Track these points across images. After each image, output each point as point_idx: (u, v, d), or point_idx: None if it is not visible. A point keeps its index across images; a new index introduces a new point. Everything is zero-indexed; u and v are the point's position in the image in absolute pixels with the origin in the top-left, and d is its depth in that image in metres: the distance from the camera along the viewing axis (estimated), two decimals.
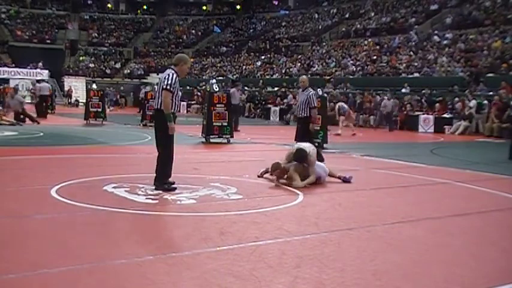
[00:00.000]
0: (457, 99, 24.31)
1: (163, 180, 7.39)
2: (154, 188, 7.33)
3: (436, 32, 34.27)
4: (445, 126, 23.39)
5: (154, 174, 7.44)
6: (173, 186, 7.44)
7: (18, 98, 21.70)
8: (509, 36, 28.90)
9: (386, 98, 24.94)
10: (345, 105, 22.09)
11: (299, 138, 11.22)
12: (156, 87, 8.01)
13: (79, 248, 4.73)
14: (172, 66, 7.61)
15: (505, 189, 8.58)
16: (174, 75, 7.38)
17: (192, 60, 47.43)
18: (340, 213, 6.73)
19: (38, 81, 32.90)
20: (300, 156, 8.36)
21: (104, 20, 61.29)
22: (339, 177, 8.78)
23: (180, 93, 7.68)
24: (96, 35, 58.86)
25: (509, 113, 20.52)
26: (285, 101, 31.07)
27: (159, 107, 7.36)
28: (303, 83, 11.90)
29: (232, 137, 15.48)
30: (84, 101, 27.30)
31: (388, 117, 24.87)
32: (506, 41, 28.69)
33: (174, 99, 7.36)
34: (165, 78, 7.36)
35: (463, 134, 22.29)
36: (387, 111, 24.64)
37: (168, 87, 7.26)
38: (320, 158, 9.05)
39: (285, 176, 8.42)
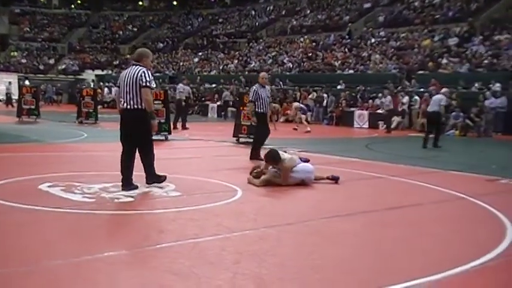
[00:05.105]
0: (380, 95, 24.04)
1: (155, 174, 7.55)
2: (148, 184, 7.43)
3: (370, 29, 35.10)
4: (379, 122, 23.94)
5: (145, 174, 7.48)
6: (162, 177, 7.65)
7: None
8: (437, 36, 29.95)
9: (382, 95, 22.98)
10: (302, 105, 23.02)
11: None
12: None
13: (13, 250, 4.60)
14: (136, 63, 7.30)
15: (436, 182, 8.88)
16: (149, 71, 7.21)
17: (128, 56, 46.67)
18: (278, 208, 6.82)
19: None
20: (271, 156, 8.18)
21: (36, 14, 59.33)
22: (328, 178, 8.60)
23: None
24: (28, 29, 56.85)
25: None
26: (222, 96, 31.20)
27: (136, 106, 7.11)
28: (263, 79, 11.60)
29: (170, 134, 15.38)
30: (16, 97, 26.95)
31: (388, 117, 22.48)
32: (435, 40, 29.71)
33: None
34: (140, 75, 7.04)
35: (396, 129, 22.91)
36: (386, 109, 22.41)
37: (149, 84, 7.05)
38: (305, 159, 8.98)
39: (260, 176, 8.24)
